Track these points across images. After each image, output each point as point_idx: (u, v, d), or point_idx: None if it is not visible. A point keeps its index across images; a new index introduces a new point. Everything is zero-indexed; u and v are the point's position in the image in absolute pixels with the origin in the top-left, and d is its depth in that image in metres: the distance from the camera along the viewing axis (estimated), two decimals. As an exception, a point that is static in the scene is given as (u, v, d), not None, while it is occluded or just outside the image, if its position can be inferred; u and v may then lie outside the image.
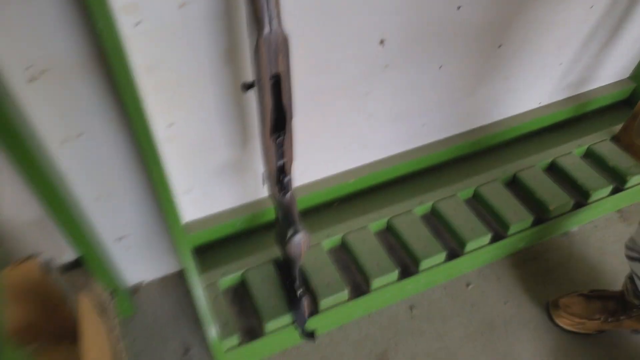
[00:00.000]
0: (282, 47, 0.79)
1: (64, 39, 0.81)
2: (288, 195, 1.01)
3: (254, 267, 1.23)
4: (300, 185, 1.32)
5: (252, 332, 1.19)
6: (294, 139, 0.93)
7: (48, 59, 0.83)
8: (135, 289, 1.40)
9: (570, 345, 1.30)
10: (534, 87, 1.47)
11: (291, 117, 0.88)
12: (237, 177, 1.21)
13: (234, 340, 1.13)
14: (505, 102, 1.46)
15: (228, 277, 1.22)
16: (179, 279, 1.43)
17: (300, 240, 1.00)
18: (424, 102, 1.29)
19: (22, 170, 0.87)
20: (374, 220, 1.31)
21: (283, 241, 1.02)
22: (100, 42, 0.82)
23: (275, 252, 1.25)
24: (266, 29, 0.76)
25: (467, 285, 1.41)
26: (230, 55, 0.95)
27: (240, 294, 1.26)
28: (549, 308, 1.32)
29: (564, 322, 1.28)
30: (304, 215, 1.05)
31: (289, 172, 0.97)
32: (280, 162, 0.95)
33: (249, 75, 0.98)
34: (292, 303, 1.15)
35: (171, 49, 0.90)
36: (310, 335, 1.20)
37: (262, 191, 1.27)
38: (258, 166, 1.20)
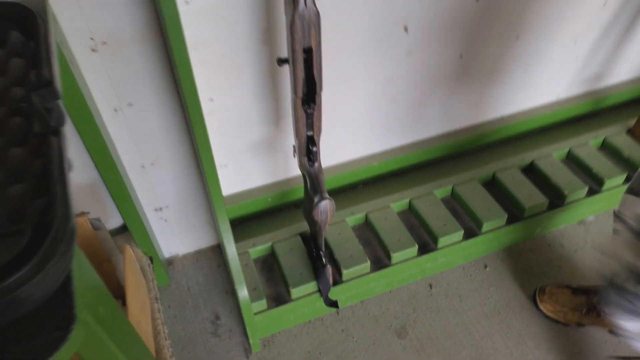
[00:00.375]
0: (314, 22, 0.89)
1: (123, 14, 0.93)
2: (316, 165, 1.09)
3: (282, 239, 1.32)
4: (327, 167, 1.40)
5: (279, 299, 1.27)
6: (322, 112, 1.02)
7: (108, 33, 0.94)
8: (170, 261, 1.50)
9: (584, 331, 1.34)
10: (551, 80, 1.53)
11: (320, 89, 0.97)
12: (269, 155, 1.30)
13: (262, 304, 1.21)
14: (524, 94, 1.52)
15: (258, 248, 1.31)
16: (211, 253, 1.52)
17: (326, 206, 1.08)
18: (445, 89, 1.37)
19: (81, 133, 0.98)
20: (396, 201, 1.39)
21: (310, 208, 1.11)
22: (159, 14, 0.93)
23: (302, 226, 1.34)
24: (301, 5, 0.85)
25: (485, 267, 1.47)
26: (267, 35, 1.05)
27: (269, 265, 1.34)
28: (536, 293, 1.37)
29: (547, 307, 1.33)
30: (330, 194, 1.13)
31: (317, 143, 1.06)
32: (310, 133, 1.04)
33: (283, 54, 1.08)
34: (317, 272, 1.23)
35: (216, 27, 1.00)
36: (333, 303, 1.27)
37: (292, 170, 1.36)
38: (288, 145, 1.29)
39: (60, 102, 0.63)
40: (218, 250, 1.53)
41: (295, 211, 1.40)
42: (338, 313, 1.38)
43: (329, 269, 1.23)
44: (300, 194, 1.38)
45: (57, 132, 0.58)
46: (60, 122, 0.61)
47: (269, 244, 1.32)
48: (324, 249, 1.22)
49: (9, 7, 0.70)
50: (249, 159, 1.29)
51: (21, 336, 0.49)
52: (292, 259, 1.28)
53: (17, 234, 0.50)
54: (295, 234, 1.33)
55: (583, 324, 1.31)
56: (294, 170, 1.36)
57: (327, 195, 1.08)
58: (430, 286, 1.44)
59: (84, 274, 0.59)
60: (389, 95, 1.30)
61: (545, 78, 1.51)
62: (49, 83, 0.62)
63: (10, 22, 0.69)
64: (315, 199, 1.08)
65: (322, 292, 1.24)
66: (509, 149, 1.54)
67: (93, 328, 0.58)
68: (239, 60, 1.07)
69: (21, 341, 0.49)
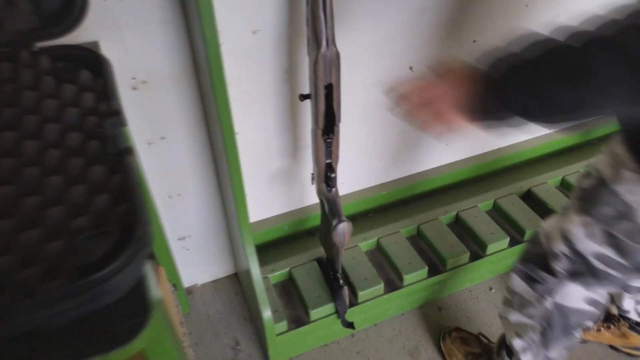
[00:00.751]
0: (335, 61, 1.00)
1: (164, 57, 1.04)
2: (333, 190, 1.18)
3: (300, 264, 1.40)
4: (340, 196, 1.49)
5: (298, 321, 1.33)
6: (339, 142, 1.12)
7: (149, 73, 1.05)
8: (190, 290, 1.56)
9: (586, 347, 1.41)
10: (544, 114, 1.66)
11: (339, 121, 1.08)
12: (286, 185, 1.39)
13: (283, 326, 1.28)
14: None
15: (277, 273, 1.39)
16: (229, 282, 1.59)
17: (344, 228, 1.16)
18: (446, 123, 1.48)
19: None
20: (406, 226, 1.48)
21: (328, 232, 1.19)
22: (196, 55, 1.04)
23: (318, 252, 1.41)
24: (323, 47, 0.97)
25: (490, 289, 1.55)
26: (288, 74, 1.16)
27: (287, 289, 1.41)
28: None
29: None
30: (342, 222, 1.24)
31: (335, 170, 1.16)
32: (328, 161, 1.14)
33: (302, 91, 1.19)
34: (334, 293, 1.31)
35: (243, 67, 1.11)
36: (350, 324, 1.34)
37: (307, 199, 1.46)
38: (304, 175, 1.38)
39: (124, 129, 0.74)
40: (235, 279, 1.60)
41: (310, 238, 1.48)
42: (353, 335, 1.45)
43: (346, 290, 1.30)
44: (314, 221, 1.47)
45: (130, 152, 0.68)
46: (125, 144, 0.71)
47: (286, 270, 1.40)
48: (340, 271, 1.30)
49: (79, 50, 0.80)
50: (267, 189, 1.38)
51: (109, 321, 0.57)
52: (309, 283, 1.35)
53: (106, 234, 0.58)
54: (312, 259, 1.41)
55: (585, 341, 1.39)
56: (309, 199, 1.45)
57: (344, 218, 1.17)
58: (440, 309, 1.51)
59: (149, 275, 0.67)
60: (396, 128, 1.41)
61: (538, 112, 1.63)
62: (117, 112, 0.72)
63: (80, 62, 0.80)
64: (334, 222, 1.17)
65: (340, 313, 1.31)
66: (507, 178, 1.65)
67: (159, 325, 0.66)
68: (263, 97, 1.18)
69: (109, 326, 0.57)
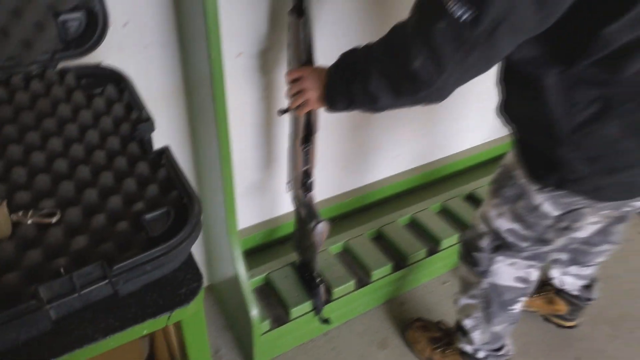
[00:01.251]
0: (313, 78, 1.15)
1: (158, 77, 1.15)
2: (310, 194, 1.32)
3: (277, 269, 1.51)
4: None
5: (279, 320, 1.43)
6: (316, 150, 1.27)
7: (143, 92, 1.13)
8: (168, 304, 1.62)
9: (534, 329, 1.62)
10: (479, 127, 1.90)
11: (316, 131, 1.23)
12: (259, 197, 1.51)
13: (266, 325, 1.38)
14: (460, 138, 1.87)
15: (256, 279, 1.49)
16: (205, 294, 1.66)
17: (322, 228, 1.30)
18: (396, 136, 1.67)
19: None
20: (369, 229, 1.64)
21: (306, 234, 1.32)
22: (191, 73, 1.16)
23: (291, 257, 1.53)
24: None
25: (444, 283, 1.73)
26: (266, 92, 1.30)
27: (265, 293, 1.51)
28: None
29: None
30: (311, 229, 1.38)
31: (311, 176, 1.30)
32: (306, 167, 1.28)
33: (277, 108, 1.32)
34: (312, 291, 1.43)
35: (227, 86, 1.24)
36: (326, 320, 1.46)
37: (278, 210, 1.58)
38: (275, 187, 1.51)
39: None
40: (209, 291, 1.68)
41: (281, 247, 1.60)
42: (326, 334, 1.56)
43: (323, 287, 1.42)
44: (284, 230, 1.59)
45: (168, 150, 0.79)
46: (152, 146, 0.82)
47: (264, 275, 1.50)
48: (317, 271, 1.42)
49: (103, 69, 0.91)
50: (242, 202, 1.48)
51: (171, 286, 0.68)
52: (287, 285, 1.46)
53: (167, 213, 0.69)
54: (287, 264, 1.52)
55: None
56: (280, 209, 1.58)
57: (322, 218, 1.30)
58: (402, 304, 1.67)
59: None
60: (356, 141, 1.58)
61: (474, 124, 1.87)
62: (149, 118, 0.83)
63: (102, 79, 0.90)
64: (313, 223, 1.30)
65: (318, 308, 1.43)
66: (451, 184, 1.86)
67: (199, 299, 0.76)
68: (243, 114, 1.31)
69: (172, 289, 0.67)
